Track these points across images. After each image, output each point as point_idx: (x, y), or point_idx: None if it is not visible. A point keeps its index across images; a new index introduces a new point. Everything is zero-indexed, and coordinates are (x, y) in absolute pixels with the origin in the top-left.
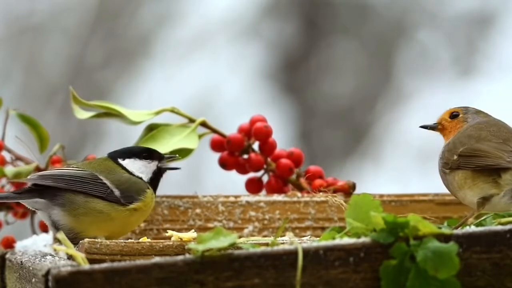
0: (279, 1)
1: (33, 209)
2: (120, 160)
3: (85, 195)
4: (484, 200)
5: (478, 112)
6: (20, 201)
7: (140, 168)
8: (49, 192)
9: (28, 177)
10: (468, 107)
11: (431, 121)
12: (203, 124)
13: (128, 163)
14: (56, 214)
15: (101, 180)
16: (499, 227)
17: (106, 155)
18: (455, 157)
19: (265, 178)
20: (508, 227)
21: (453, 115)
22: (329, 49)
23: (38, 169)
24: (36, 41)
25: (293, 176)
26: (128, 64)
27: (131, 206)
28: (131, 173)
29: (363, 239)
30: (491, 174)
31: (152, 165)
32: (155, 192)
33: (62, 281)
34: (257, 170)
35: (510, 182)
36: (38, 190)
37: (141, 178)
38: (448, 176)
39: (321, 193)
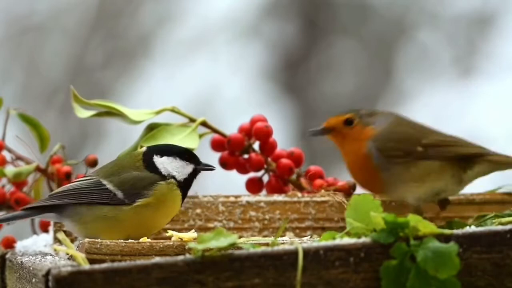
0: (279, 1)
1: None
2: (155, 157)
3: (88, 204)
4: (436, 196)
5: (371, 113)
6: (32, 217)
7: (177, 168)
8: (58, 207)
9: (41, 199)
10: (359, 110)
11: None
12: (204, 124)
13: (164, 160)
14: (68, 225)
15: (104, 185)
16: (499, 227)
17: (144, 148)
18: (419, 148)
19: (265, 178)
20: (508, 227)
21: (348, 121)
22: (329, 49)
23: (38, 169)
24: (36, 41)
25: (294, 176)
26: (128, 64)
27: (136, 203)
28: (157, 171)
29: (363, 239)
30: (457, 165)
31: (189, 167)
32: (185, 192)
33: (62, 281)
34: (257, 170)
35: (472, 178)
36: (47, 206)
37: (171, 177)
38: (398, 167)
39: (323, 190)
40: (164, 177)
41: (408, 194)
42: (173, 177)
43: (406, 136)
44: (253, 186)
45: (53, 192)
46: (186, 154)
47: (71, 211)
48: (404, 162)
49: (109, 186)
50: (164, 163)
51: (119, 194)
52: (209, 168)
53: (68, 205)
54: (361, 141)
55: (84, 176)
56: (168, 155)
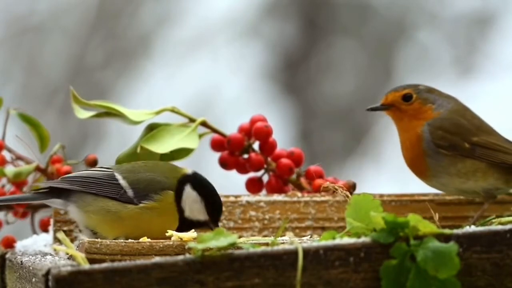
0: (279, 1)
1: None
2: (187, 186)
3: (95, 195)
4: (488, 192)
5: (430, 89)
6: (39, 201)
7: (191, 208)
8: (66, 192)
9: (55, 180)
10: (418, 85)
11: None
12: (203, 124)
13: (191, 194)
14: (72, 212)
15: (117, 180)
16: (499, 227)
17: (189, 171)
18: (466, 145)
19: (265, 178)
20: (508, 227)
21: (406, 97)
22: (329, 49)
23: (38, 168)
24: (36, 41)
25: (294, 176)
26: (128, 64)
27: (142, 204)
28: (180, 197)
29: (363, 239)
30: (506, 170)
31: (202, 216)
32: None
33: (62, 281)
34: (257, 170)
35: None
36: (56, 191)
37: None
38: (446, 158)
39: (328, 183)
40: (170, 186)
41: (451, 187)
42: (183, 210)
43: (457, 128)
44: (253, 186)
45: (64, 176)
46: (212, 204)
47: (78, 197)
48: (452, 156)
49: (122, 182)
50: (187, 196)
51: (130, 193)
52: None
53: (76, 191)
54: (419, 120)
55: (101, 167)
56: (200, 193)
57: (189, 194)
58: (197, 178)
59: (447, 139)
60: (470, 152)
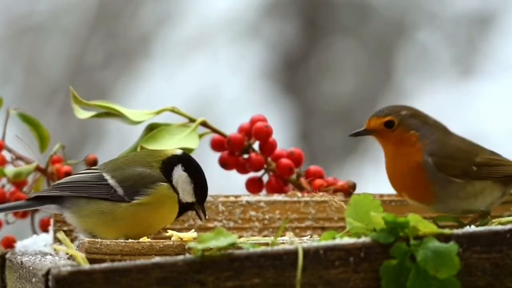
0: (279, 1)
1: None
2: (178, 166)
3: (87, 198)
4: (490, 207)
5: (412, 114)
6: (34, 208)
7: (183, 189)
8: (60, 198)
9: (46, 189)
10: (400, 112)
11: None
12: (204, 124)
13: (182, 174)
14: (67, 217)
15: (106, 180)
16: (499, 227)
17: (178, 151)
18: (474, 168)
19: (265, 178)
20: (508, 227)
21: (388, 124)
22: (329, 49)
23: (38, 168)
24: (36, 41)
25: (293, 176)
26: (128, 64)
27: (135, 201)
28: (168, 178)
29: (363, 239)
30: (503, 182)
31: (190, 198)
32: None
33: (62, 281)
34: (257, 170)
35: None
36: (50, 196)
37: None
38: (455, 185)
39: (321, 193)
40: (162, 177)
41: (458, 209)
42: (176, 191)
43: (462, 153)
44: (253, 186)
45: (55, 183)
46: (200, 186)
47: (71, 203)
48: (462, 181)
49: (111, 181)
50: (179, 177)
51: (120, 191)
52: (200, 214)
53: (69, 197)
54: (408, 147)
55: (89, 169)
56: (189, 174)
57: (181, 175)
58: (187, 159)
59: (456, 168)
60: (478, 174)
